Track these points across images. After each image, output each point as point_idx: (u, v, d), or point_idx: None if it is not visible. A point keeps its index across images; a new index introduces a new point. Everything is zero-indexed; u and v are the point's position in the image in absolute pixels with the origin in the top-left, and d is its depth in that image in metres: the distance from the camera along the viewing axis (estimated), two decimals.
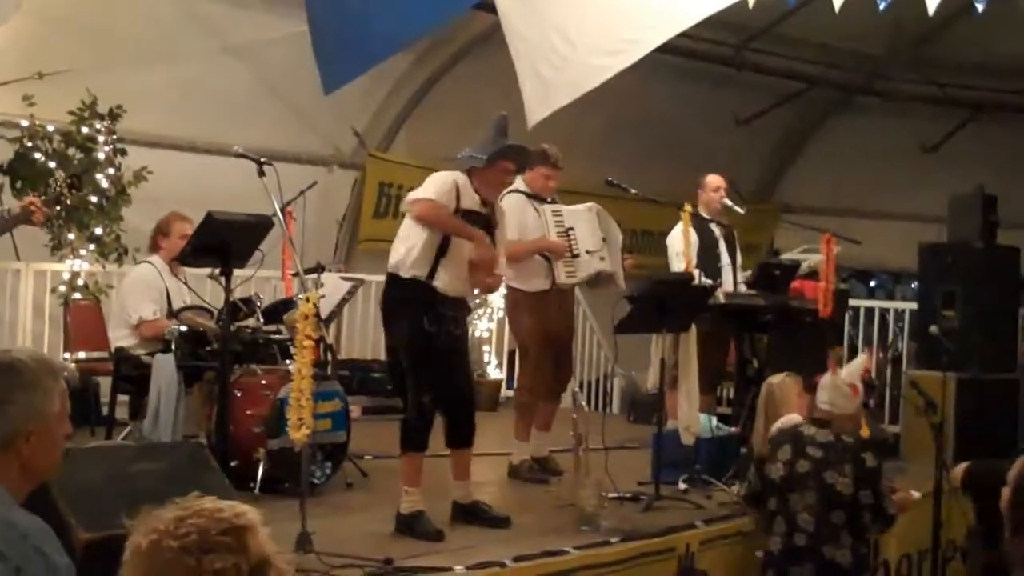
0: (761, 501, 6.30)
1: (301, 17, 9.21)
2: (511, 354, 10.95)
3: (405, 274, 6.15)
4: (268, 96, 10.75)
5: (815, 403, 6.26)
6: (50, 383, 2.79)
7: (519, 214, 7.48)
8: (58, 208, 7.42)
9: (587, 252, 7.64)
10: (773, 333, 8.49)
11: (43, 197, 7.00)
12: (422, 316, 6.07)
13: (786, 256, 9.28)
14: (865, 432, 6.90)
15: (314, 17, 9.13)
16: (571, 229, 7.65)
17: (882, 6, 8.73)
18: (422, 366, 6.12)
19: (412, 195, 6.25)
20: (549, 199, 7.80)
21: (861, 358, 7.24)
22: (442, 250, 6.15)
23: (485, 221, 6.31)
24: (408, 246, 6.17)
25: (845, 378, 6.28)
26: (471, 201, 6.25)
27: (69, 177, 6.49)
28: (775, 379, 6.85)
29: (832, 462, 6.01)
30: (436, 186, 6.19)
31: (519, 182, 7.66)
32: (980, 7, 8.60)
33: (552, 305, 7.72)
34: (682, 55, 12.39)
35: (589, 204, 7.88)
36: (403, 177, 12.33)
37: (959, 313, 9.22)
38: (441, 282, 6.13)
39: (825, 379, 6.30)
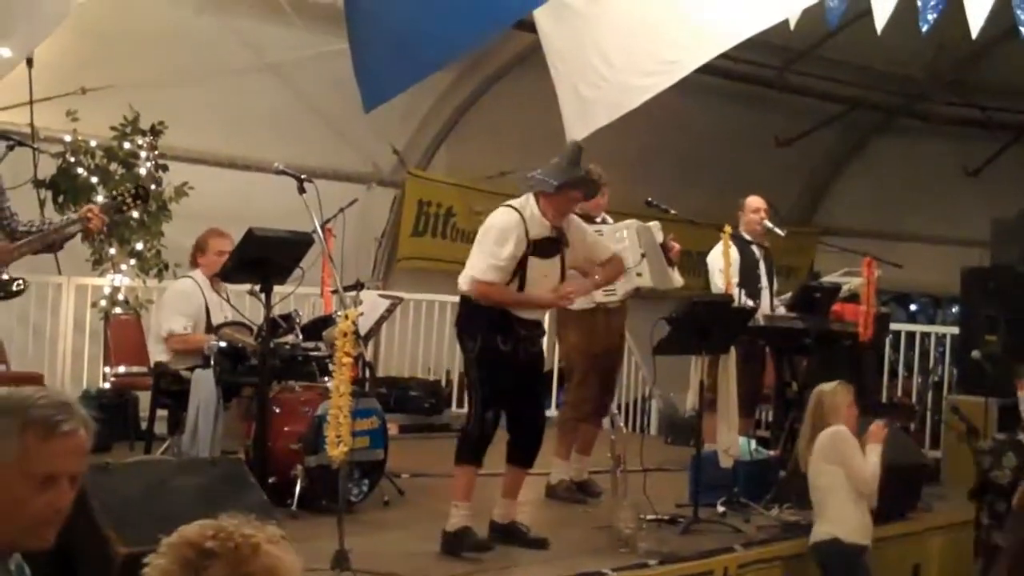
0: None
1: (342, 35, 9.23)
2: (549, 374, 10.94)
3: (479, 299, 6.15)
4: (308, 113, 10.81)
5: None
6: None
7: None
8: (119, 216, 7.42)
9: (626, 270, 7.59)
10: (813, 356, 8.42)
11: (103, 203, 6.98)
12: (496, 334, 6.09)
13: (827, 279, 9.21)
14: None
15: (355, 35, 9.15)
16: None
17: (924, 28, 8.72)
18: (490, 381, 6.13)
19: (474, 264, 6.15)
20: (598, 219, 7.75)
21: None
22: (520, 283, 6.15)
23: (554, 244, 6.28)
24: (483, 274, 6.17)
25: None
26: (540, 228, 6.19)
27: (136, 187, 6.46)
28: (827, 387, 6.80)
29: None
30: (496, 246, 6.10)
31: None
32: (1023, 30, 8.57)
33: (598, 324, 7.68)
34: (723, 76, 12.37)
35: (628, 221, 7.84)
36: (442, 195, 12.38)
37: (1001, 338, 9.13)
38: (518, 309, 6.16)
39: None
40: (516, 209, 6.18)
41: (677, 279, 7.86)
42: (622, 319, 7.93)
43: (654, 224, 7.83)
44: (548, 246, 6.23)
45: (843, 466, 6.52)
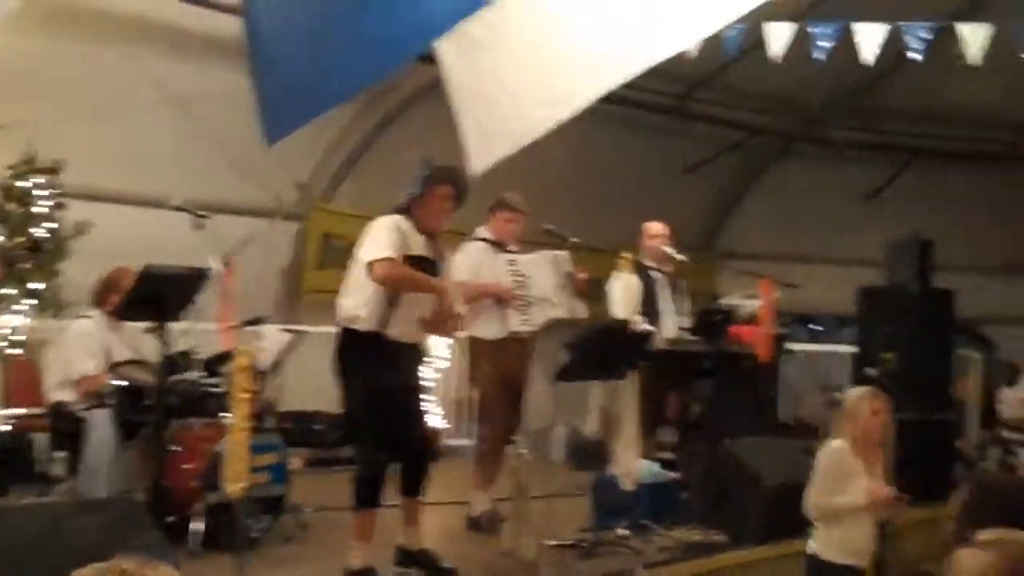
0: None
1: (242, 69, 9.23)
2: (457, 404, 10.98)
3: (358, 327, 6.14)
4: (210, 148, 10.77)
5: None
6: None
7: (474, 260, 7.49)
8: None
9: (542, 299, 7.64)
10: (713, 378, 8.53)
11: None
12: (377, 370, 6.08)
13: (725, 301, 9.36)
14: None
15: (256, 68, 9.13)
16: (527, 277, 7.66)
17: (817, 56, 8.92)
18: (377, 420, 6.11)
19: (366, 254, 6.16)
20: (511, 247, 7.81)
21: None
22: (393, 300, 6.14)
23: (430, 265, 6.31)
24: (357, 299, 6.16)
25: None
26: (418, 245, 6.25)
27: (32, 242, 6.45)
28: (854, 391, 6.62)
29: None
30: (387, 238, 6.13)
31: (481, 230, 7.71)
32: (915, 56, 8.80)
33: (511, 353, 7.69)
34: (626, 104, 12.55)
35: (544, 252, 7.88)
36: (347, 228, 12.34)
37: (897, 356, 9.31)
38: (395, 331, 6.14)
39: None
40: (392, 219, 6.24)
41: (582, 310, 7.90)
42: (532, 347, 7.91)
43: (562, 254, 7.90)
44: (424, 265, 6.25)
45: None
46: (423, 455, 6.35)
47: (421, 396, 6.57)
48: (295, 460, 7.92)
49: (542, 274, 7.69)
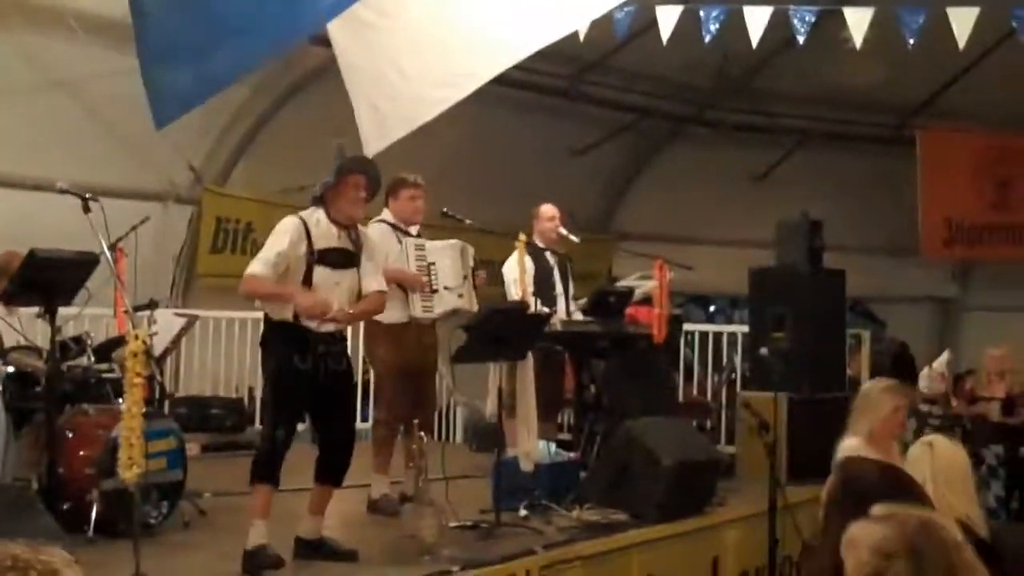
0: None
1: (131, 50, 9.08)
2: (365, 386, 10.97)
3: (274, 317, 6.11)
4: (99, 131, 10.58)
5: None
6: None
7: (383, 243, 7.40)
8: None
9: (446, 288, 7.58)
10: (609, 359, 8.61)
11: None
12: (293, 353, 6.04)
13: (621, 283, 9.44)
14: None
15: (144, 50, 8.99)
16: (432, 264, 7.60)
17: (707, 38, 9.05)
18: (284, 399, 6.09)
19: (250, 265, 6.15)
20: (416, 229, 7.76)
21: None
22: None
23: (346, 255, 6.26)
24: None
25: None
26: (327, 238, 6.17)
27: None
28: (875, 382, 6.49)
29: None
30: (271, 248, 6.10)
31: (385, 213, 7.66)
32: (801, 39, 8.97)
33: (409, 338, 7.63)
34: (518, 87, 12.58)
35: (454, 241, 7.82)
36: (241, 211, 12.25)
37: (788, 335, 9.45)
38: (310, 322, 6.11)
39: None
40: (300, 218, 6.18)
41: (475, 304, 7.85)
42: (433, 335, 7.86)
43: (469, 248, 7.87)
44: (337, 256, 6.21)
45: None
46: (345, 445, 6.32)
47: (349, 385, 6.51)
48: (192, 446, 7.82)
49: (448, 262, 7.66)
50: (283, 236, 6.10)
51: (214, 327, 10.65)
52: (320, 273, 6.14)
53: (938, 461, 4.83)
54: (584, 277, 9.46)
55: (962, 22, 8.52)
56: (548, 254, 8.77)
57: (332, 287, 6.16)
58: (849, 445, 6.12)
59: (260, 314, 6.32)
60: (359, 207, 6.33)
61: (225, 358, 10.82)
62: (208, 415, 10.43)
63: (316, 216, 6.19)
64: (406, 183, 7.72)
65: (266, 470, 6.06)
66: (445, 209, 8.19)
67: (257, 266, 6.07)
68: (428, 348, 7.78)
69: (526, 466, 7.49)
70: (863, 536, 2.81)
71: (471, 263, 7.79)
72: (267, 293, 6.14)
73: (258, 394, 10.84)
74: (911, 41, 8.67)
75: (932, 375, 10.24)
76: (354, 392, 6.83)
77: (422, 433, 6.81)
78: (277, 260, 6.05)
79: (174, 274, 11.84)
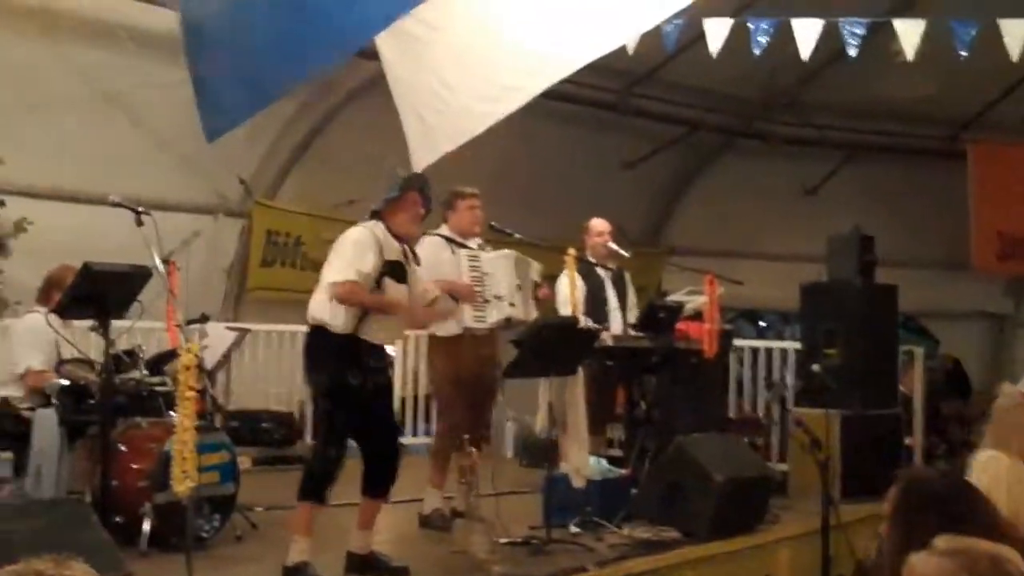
0: None
1: (182, 64, 9.13)
2: (415, 400, 11.02)
3: (333, 328, 6.08)
4: (150, 144, 10.65)
5: None
6: None
7: (433, 256, 7.38)
8: None
9: (496, 297, 7.55)
10: (660, 375, 8.56)
11: None
12: (346, 368, 6.04)
13: (671, 298, 9.38)
14: None
15: (195, 64, 9.05)
16: (486, 275, 7.58)
17: (757, 51, 8.98)
18: (338, 417, 6.08)
19: (331, 272, 6.12)
20: (476, 241, 7.74)
21: None
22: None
23: (404, 270, 6.30)
24: (332, 304, 6.09)
25: None
26: (393, 251, 6.23)
27: None
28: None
29: None
30: (354, 254, 6.10)
31: (442, 228, 7.66)
32: (852, 52, 8.88)
33: (464, 350, 7.58)
34: (567, 100, 12.56)
35: (507, 251, 7.80)
36: (291, 225, 12.30)
37: (840, 351, 9.37)
38: (367, 333, 6.10)
39: None
40: (370, 230, 6.21)
41: (533, 315, 7.82)
42: (492, 348, 7.79)
43: (535, 264, 7.85)
44: (399, 271, 6.26)
45: None
46: (392, 459, 6.31)
47: (390, 399, 6.52)
48: (243, 459, 7.84)
49: (502, 273, 7.62)
50: (366, 247, 6.12)
51: (264, 340, 10.69)
52: (388, 285, 6.17)
53: (1012, 472, 4.73)
54: (636, 291, 9.39)
55: (1014, 33, 8.41)
56: (599, 269, 8.72)
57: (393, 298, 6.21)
58: (991, 456, 5.39)
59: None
60: (418, 224, 6.45)
61: (276, 371, 10.85)
62: (259, 429, 10.46)
63: (380, 229, 6.22)
64: (463, 194, 7.73)
65: (316, 489, 6.06)
66: (493, 223, 8.16)
67: (352, 273, 6.06)
68: (485, 360, 7.69)
69: (577, 482, 7.46)
70: (927, 571, 2.75)
71: (535, 277, 7.76)
72: (373, 302, 6.13)
73: (308, 408, 10.93)
74: (963, 53, 8.57)
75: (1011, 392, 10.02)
76: (393, 406, 6.80)
77: (472, 448, 6.80)
78: (370, 273, 6.09)
79: (225, 287, 11.89)
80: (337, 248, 6.22)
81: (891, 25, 8.84)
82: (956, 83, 12.83)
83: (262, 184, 12.17)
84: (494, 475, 7.02)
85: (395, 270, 6.24)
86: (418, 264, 6.49)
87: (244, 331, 8.58)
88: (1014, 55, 8.44)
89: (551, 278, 8.47)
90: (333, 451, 6.07)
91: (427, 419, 11.26)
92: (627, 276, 8.99)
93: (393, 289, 6.21)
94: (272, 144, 12.04)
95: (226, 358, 8.25)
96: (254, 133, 11.03)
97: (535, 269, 7.81)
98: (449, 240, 7.65)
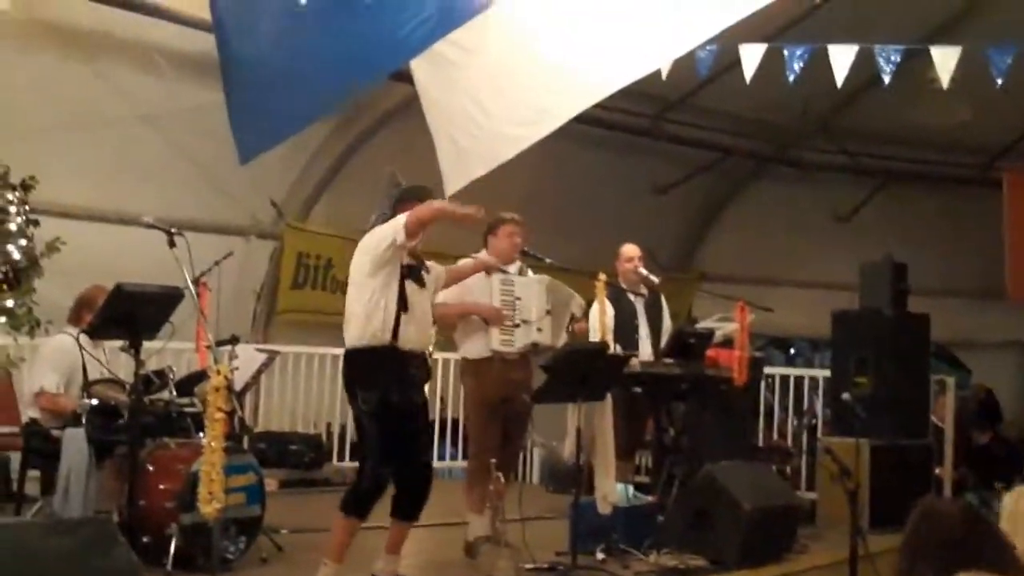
0: None
1: (216, 86, 9.18)
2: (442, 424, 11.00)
3: (370, 342, 6.08)
4: (185, 165, 10.71)
5: None
6: None
7: (467, 281, 7.39)
8: None
9: (524, 322, 7.53)
10: (689, 402, 8.52)
11: None
12: (390, 386, 6.06)
13: (701, 324, 9.34)
14: None
15: (230, 86, 9.11)
16: (518, 299, 7.57)
17: (791, 77, 8.96)
18: (390, 434, 6.07)
19: (392, 224, 6.12)
20: (515, 267, 7.73)
21: None
22: (402, 304, 6.13)
23: (420, 273, 6.32)
24: (367, 311, 6.09)
25: None
26: (406, 256, 6.25)
27: (6, 272, 6.40)
28: None
29: None
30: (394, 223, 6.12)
31: (482, 252, 7.65)
32: (886, 78, 8.85)
33: (493, 373, 7.52)
34: (599, 125, 12.57)
35: (541, 276, 7.81)
36: (321, 247, 12.33)
37: (871, 379, 9.33)
38: (405, 339, 6.12)
39: None
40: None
41: (558, 340, 7.79)
42: (524, 373, 7.67)
43: (578, 299, 7.84)
44: (417, 274, 6.28)
45: None
46: (423, 480, 6.29)
47: (424, 421, 6.50)
48: (270, 481, 7.84)
49: (533, 297, 7.61)
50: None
51: (293, 362, 10.71)
52: (410, 287, 6.20)
53: None
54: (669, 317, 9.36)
55: None
56: (630, 295, 8.68)
57: (419, 304, 6.24)
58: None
59: (339, 350, 6.33)
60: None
61: (304, 394, 10.87)
62: (287, 451, 10.48)
63: None
64: (505, 220, 7.72)
65: (363, 506, 6.08)
66: (525, 248, 8.15)
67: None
68: (516, 384, 7.57)
69: (604, 508, 7.43)
70: None
71: (574, 310, 7.75)
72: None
73: (335, 430, 10.95)
74: (999, 81, 8.53)
75: None
76: (429, 426, 6.78)
77: (499, 473, 6.78)
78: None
79: (255, 309, 11.92)
80: (364, 248, 6.25)
81: (927, 52, 8.81)
82: (991, 110, 12.75)
83: (294, 206, 12.22)
84: (521, 500, 6.99)
85: (413, 272, 6.25)
86: (427, 271, 6.46)
87: (274, 353, 8.60)
88: None
89: (587, 303, 8.43)
90: (386, 469, 6.07)
91: (454, 443, 11.27)
92: (663, 302, 8.93)
93: (414, 292, 6.21)
94: (304, 167, 12.10)
95: (255, 380, 8.27)
96: (287, 156, 11.08)
97: (576, 303, 7.79)
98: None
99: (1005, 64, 8.49)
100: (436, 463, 10.51)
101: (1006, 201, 14.76)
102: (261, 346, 9.08)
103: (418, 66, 8.97)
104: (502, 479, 6.76)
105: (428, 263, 6.50)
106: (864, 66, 8.78)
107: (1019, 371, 16.12)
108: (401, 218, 6.06)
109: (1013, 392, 15.03)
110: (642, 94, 11.88)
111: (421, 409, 6.28)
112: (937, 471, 10.16)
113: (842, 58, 8.75)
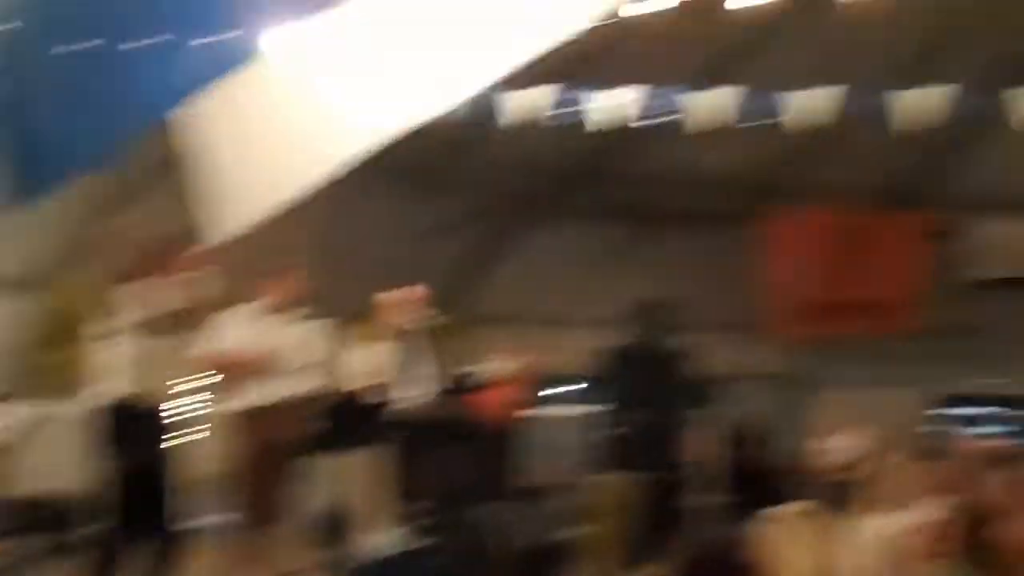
0: None
1: None
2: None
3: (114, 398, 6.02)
4: None
5: None
6: None
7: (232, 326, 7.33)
8: None
9: (288, 372, 7.53)
10: (456, 445, 8.60)
11: None
12: (132, 444, 6.18)
13: (470, 367, 9.46)
14: None
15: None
16: (277, 348, 7.56)
17: (558, 123, 9.18)
18: (123, 498, 6.08)
19: None
20: (278, 313, 7.69)
21: None
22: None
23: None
24: (108, 369, 6.05)
25: None
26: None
27: None
28: None
29: None
30: None
31: (258, 299, 7.60)
32: (653, 122, 9.15)
33: (261, 425, 7.45)
34: (377, 167, 12.58)
35: (308, 324, 7.82)
36: (83, 304, 11.94)
37: (635, 415, 9.54)
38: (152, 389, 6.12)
39: None
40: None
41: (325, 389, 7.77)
42: (288, 424, 7.59)
43: (353, 343, 7.85)
44: None
45: None
46: (172, 538, 6.21)
47: (167, 472, 6.43)
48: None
49: (300, 345, 7.60)
50: None
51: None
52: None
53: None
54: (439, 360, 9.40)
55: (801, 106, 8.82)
56: (404, 338, 8.71)
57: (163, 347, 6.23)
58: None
59: None
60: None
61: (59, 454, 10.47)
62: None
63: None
64: (280, 268, 7.76)
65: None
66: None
67: None
68: (279, 436, 7.50)
69: (374, 556, 7.44)
70: None
71: (352, 358, 7.74)
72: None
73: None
74: (765, 122, 8.93)
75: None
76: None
77: (263, 527, 6.74)
78: None
79: (15, 367, 11.54)
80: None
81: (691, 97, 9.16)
82: (756, 150, 13.28)
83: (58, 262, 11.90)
84: (284, 555, 6.95)
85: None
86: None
87: (41, 411, 8.34)
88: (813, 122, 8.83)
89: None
90: (119, 533, 5.97)
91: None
92: (437, 344, 9.00)
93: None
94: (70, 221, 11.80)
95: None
96: (52, 207, 10.76)
97: (351, 351, 7.78)
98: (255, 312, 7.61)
99: (771, 107, 8.92)
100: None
101: (765, 238, 15.40)
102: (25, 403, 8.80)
103: (182, 117, 8.88)
104: (266, 535, 6.71)
105: None
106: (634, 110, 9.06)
107: (778, 402, 16.64)
108: None
109: (773, 423, 15.51)
110: (423, 137, 11.98)
111: (161, 463, 6.20)
112: (693, 503, 10.43)
113: (609, 103, 9.04)
